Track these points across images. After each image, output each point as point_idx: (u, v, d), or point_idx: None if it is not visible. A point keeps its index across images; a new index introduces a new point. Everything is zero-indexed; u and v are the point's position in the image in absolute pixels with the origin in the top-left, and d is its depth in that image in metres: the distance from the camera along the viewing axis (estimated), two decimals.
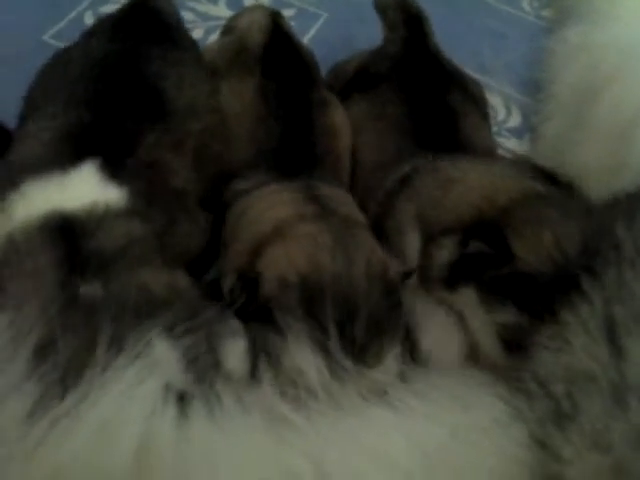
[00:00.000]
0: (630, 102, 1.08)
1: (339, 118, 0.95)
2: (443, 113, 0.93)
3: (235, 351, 0.64)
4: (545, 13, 1.39)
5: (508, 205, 0.72)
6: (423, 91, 0.95)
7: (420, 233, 0.77)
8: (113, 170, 0.73)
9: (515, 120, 1.19)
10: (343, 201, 0.83)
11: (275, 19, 1.02)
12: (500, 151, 1.11)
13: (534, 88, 1.23)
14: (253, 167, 0.88)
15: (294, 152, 0.89)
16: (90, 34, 0.93)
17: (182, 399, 0.61)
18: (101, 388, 0.58)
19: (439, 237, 0.74)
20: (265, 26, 1.00)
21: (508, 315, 0.69)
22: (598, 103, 1.11)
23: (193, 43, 1.00)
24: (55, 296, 0.61)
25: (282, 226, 0.73)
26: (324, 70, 1.02)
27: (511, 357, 0.69)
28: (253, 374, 0.65)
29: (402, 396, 0.66)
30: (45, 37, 1.20)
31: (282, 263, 0.68)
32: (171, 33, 0.94)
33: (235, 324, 0.66)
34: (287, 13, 1.07)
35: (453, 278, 0.72)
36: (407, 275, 0.72)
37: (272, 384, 0.64)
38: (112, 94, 0.81)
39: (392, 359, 0.68)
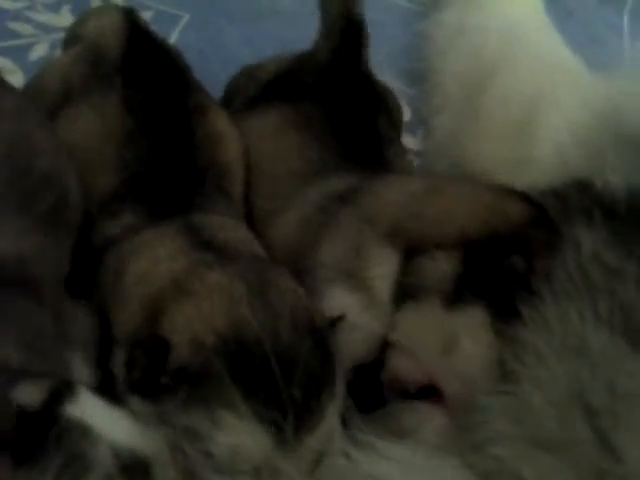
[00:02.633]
0: (521, 91, 1.03)
1: (222, 123, 0.84)
2: (369, 136, 0.86)
3: None
4: None
5: (523, 224, 0.68)
6: (351, 112, 0.87)
7: (397, 248, 0.70)
8: None
9: (405, 115, 1.10)
10: (240, 237, 0.72)
11: (130, 18, 0.88)
12: None
13: (421, 79, 1.15)
14: (120, 199, 0.75)
15: (169, 174, 0.76)
16: None
17: None
18: None
19: (432, 250, 0.68)
20: (119, 27, 0.86)
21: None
22: (486, 93, 1.05)
23: None
24: None
25: (182, 278, 0.61)
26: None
27: None
28: None
29: None
30: None
31: (194, 324, 0.57)
32: None
33: None
34: (142, 17, 0.92)
35: (459, 293, 0.66)
36: (337, 320, 0.63)
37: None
38: None
39: (333, 417, 0.59)
